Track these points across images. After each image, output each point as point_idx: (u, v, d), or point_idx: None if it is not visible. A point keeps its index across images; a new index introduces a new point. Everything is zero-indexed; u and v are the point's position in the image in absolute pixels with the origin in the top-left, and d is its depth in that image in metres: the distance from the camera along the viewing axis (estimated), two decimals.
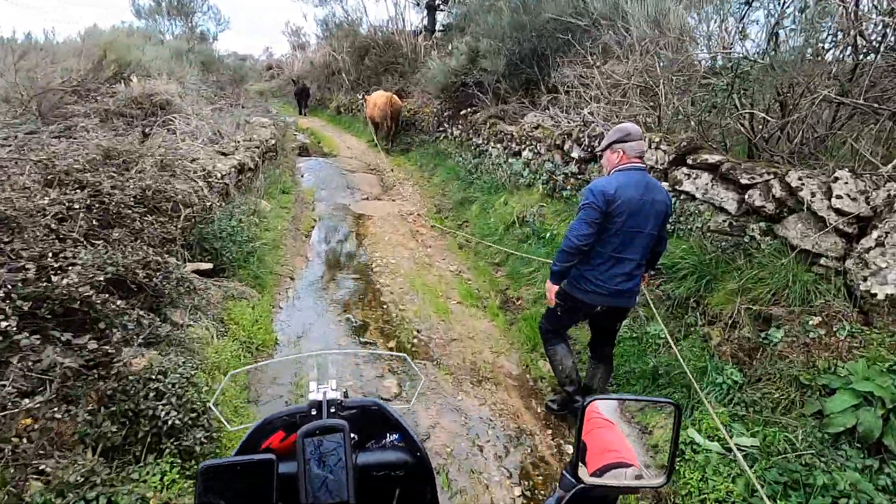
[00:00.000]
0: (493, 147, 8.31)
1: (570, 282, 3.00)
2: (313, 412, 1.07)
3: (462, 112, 10.14)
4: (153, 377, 2.56)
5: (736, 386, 3.02)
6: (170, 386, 2.53)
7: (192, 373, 2.75)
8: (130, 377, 2.49)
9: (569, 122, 6.30)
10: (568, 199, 5.92)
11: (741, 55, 3.61)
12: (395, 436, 1.10)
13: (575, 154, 5.91)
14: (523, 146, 7.24)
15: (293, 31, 33.71)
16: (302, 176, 10.22)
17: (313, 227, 7.31)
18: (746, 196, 3.71)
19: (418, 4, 19.05)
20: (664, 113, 5.21)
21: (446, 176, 9.43)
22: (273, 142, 9.80)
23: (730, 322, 3.41)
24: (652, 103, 5.51)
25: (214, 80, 12.94)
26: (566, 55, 7.88)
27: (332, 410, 1.07)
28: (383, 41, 16.28)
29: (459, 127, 10.23)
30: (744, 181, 3.72)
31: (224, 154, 7.17)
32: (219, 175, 6.15)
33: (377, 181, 10.37)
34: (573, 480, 0.93)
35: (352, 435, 0.99)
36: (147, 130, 6.34)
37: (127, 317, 2.80)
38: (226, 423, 1.34)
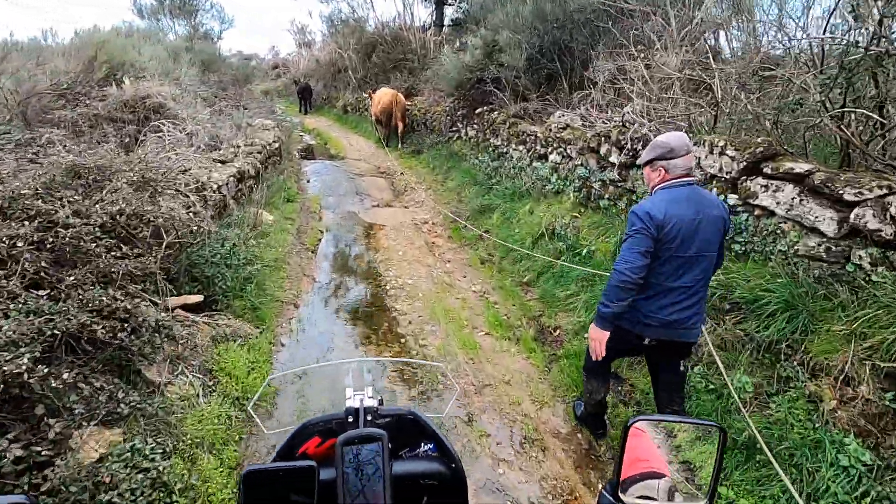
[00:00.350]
0: (514, 149, 7.59)
1: None
2: (350, 419, 1.07)
3: (478, 111, 9.42)
4: (106, 479, 1.90)
5: (868, 472, 2.31)
6: (128, 497, 1.87)
7: (163, 467, 2.09)
8: (71, 486, 1.82)
9: (604, 123, 5.56)
10: (606, 210, 5.20)
11: (849, 41, 2.87)
12: (430, 445, 1.09)
13: (614, 159, 5.19)
14: (550, 149, 6.51)
15: (298, 28, 32.99)
16: (308, 181, 9.55)
17: (320, 240, 6.64)
18: (852, 216, 2.98)
19: None
20: (721, 112, 4.47)
21: (462, 180, 8.72)
22: (277, 145, 9.15)
23: (841, 377, 2.70)
24: (705, 100, 4.77)
25: (217, 80, 12.31)
26: (595, 47, 7.14)
27: (369, 418, 1.08)
28: (391, 37, 15.56)
29: (475, 127, 9.51)
30: (848, 197, 2.99)
31: (222, 162, 6.51)
32: (214, 186, 5.50)
33: (387, 185, 9.68)
34: (612, 500, 0.91)
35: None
36: (139, 137, 5.67)
37: (77, 393, 2.14)
38: (263, 427, 1.44)
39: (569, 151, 6.03)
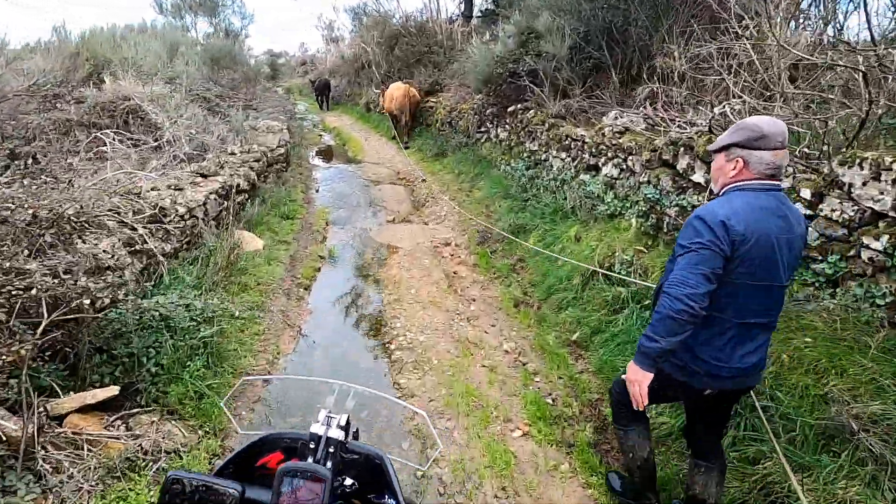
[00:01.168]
0: (554, 156, 6.19)
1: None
2: (311, 445, 0.99)
3: (510, 109, 8.03)
4: None
5: None
6: None
7: None
8: None
9: (681, 127, 4.13)
10: None
11: None
12: (393, 501, 1.01)
13: (698, 177, 3.76)
14: (603, 158, 5.10)
15: (326, 25, 32.09)
16: (317, 191, 8.37)
17: (319, 270, 5.42)
18: None
19: None
20: (873, 115, 3.00)
21: (491, 190, 7.37)
22: (282, 150, 7.99)
23: None
24: (836, 97, 3.29)
25: (231, 77, 11.29)
26: (659, 29, 5.67)
27: (331, 450, 0.98)
28: (416, 29, 14.24)
29: (506, 127, 8.12)
30: None
31: (203, 175, 5.36)
32: (182, 211, 4.33)
33: (407, 195, 8.41)
34: None
35: (350, 482, 0.97)
36: (80, 151, 4.57)
37: None
38: (236, 426, 1.38)
39: (630, 163, 4.61)
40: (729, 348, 1.87)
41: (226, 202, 5.48)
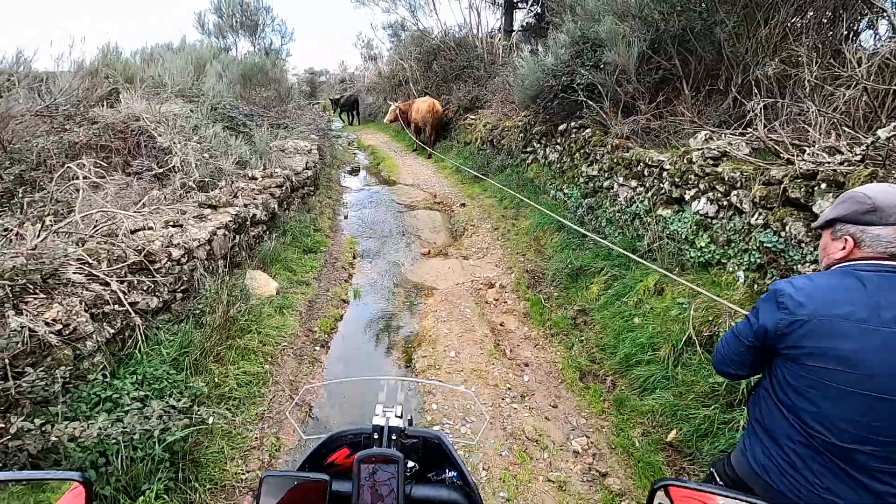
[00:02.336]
0: (621, 184, 5.15)
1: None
2: (375, 436, 1.06)
3: (561, 127, 7.05)
4: None
5: None
6: None
7: None
8: None
9: (815, 156, 3.04)
10: None
11: None
12: (454, 473, 1.07)
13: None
14: (691, 190, 4.04)
15: (365, 43, 32.09)
16: (345, 217, 7.58)
17: (339, 321, 4.55)
18: None
19: (495, 2, 16.22)
20: None
21: (541, 220, 6.37)
22: (309, 173, 7.25)
23: None
24: None
25: (264, 95, 10.79)
26: (754, 34, 4.62)
27: (394, 437, 1.06)
28: (455, 43, 13.49)
29: (557, 148, 7.14)
30: None
31: (213, 207, 4.60)
32: (174, 255, 3.54)
33: (443, 223, 7.51)
34: None
35: (412, 464, 1.03)
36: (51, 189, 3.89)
37: None
38: (301, 432, 1.51)
39: (735, 199, 3.54)
40: (819, 476, 1.36)
41: (238, 237, 4.72)
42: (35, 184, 4.80)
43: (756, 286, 3.24)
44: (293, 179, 6.53)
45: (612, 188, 5.29)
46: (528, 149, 8.13)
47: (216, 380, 2.94)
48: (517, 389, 3.52)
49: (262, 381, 3.21)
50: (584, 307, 4.43)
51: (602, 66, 6.32)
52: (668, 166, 4.38)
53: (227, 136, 6.47)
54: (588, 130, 6.27)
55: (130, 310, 2.91)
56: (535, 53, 7.50)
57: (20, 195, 4.67)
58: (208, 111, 6.72)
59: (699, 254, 3.76)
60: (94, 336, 2.71)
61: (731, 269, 3.49)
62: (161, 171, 4.69)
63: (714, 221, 3.73)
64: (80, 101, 6.28)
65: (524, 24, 16.18)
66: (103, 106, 5.93)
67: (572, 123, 6.75)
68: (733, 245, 3.50)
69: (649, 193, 4.61)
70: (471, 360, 3.81)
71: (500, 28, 15.57)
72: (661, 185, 4.43)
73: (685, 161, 4.15)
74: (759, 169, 3.45)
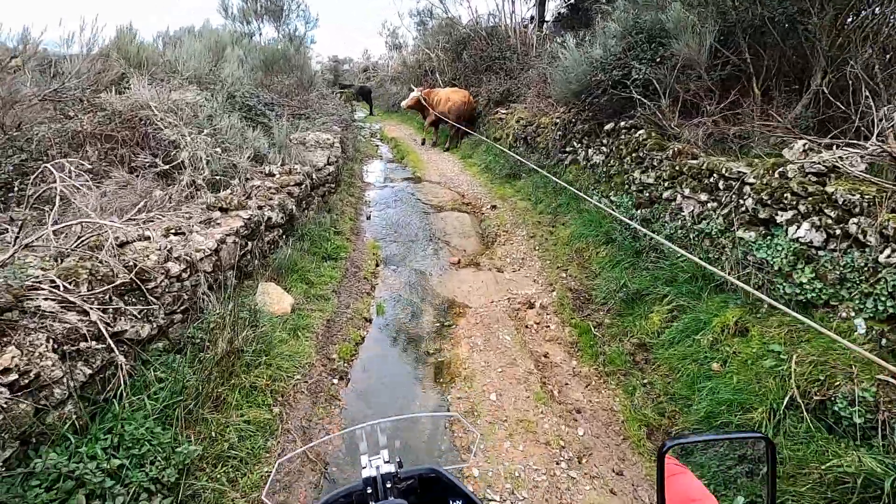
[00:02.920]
0: (686, 196, 4.45)
1: None
2: (369, 490, 1.01)
3: (608, 127, 6.35)
4: None
5: None
6: None
7: None
8: None
9: None
10: None
11: None
12: (459, 501, 1.03)
13: None
14: (787, 211, 3.34)
15: (390, 31, 31.40)
16: (368, 217, 7.01)
17: (360, 346, 3.98)
18: None
19: None
20: None
21: (584, 230, 5.71)
22: (331, 169, 6.69)
23: None
24: None
25: (287, 83, 10.24)
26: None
27: (389, 486, 1.01)
28: (486, 33, 12.75)
29: (603, 150, 6.44)
30: None
31: (223, 210, 4.06)
32: (172, 271, 3.01)
33: (473, 227, 6.89)
34: None
35: None
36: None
37: None
38: None
39: (854, 228, 2.85)
40: None
41: (250, 243, 4.18)
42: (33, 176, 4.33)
43: (885, 341, 2.57)
44: (313, 177, 5.98)
45: (675, 200, 4.60)
46: (568, 149, 7.44)
47: (213, 432, 2.40)
48: (572, 447, 2.91)
49: (270, 430, 2.67)
50: (644, 341, 3.79)
51: (660, 60, 5.61)
52: (751, 180, 3.68)
53: (244, 127, 5.93)
54: (641, 132, 5.56)
55: (113, 345, 2.37)
56: (583, 43, 6.76)
57: (16, 188, 4.22)
58: (225, 99, 6.19)
59: (798, 291, 3.08)
60: (64, 381, 2.18)
61: (844, 314, 2.82)
62: (167, 167, 4.16)
63: (821, 253, 3.04)
64: (90, 87, 5.79)
65: (557, 13, 15.33)
66: (112, 92, 5.43)
67: (622, 123, 6.04)
68: (850, 285, 2.82)
69: (724, 210, 3.92)
70: (515, 406, 3.21)
71: (532, 17, 14.77)
72: (742, 202, 3.73)
73: (776, 175, 3.46)
74: (885, 192, 2.76)
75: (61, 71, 5.87)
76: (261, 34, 18.12)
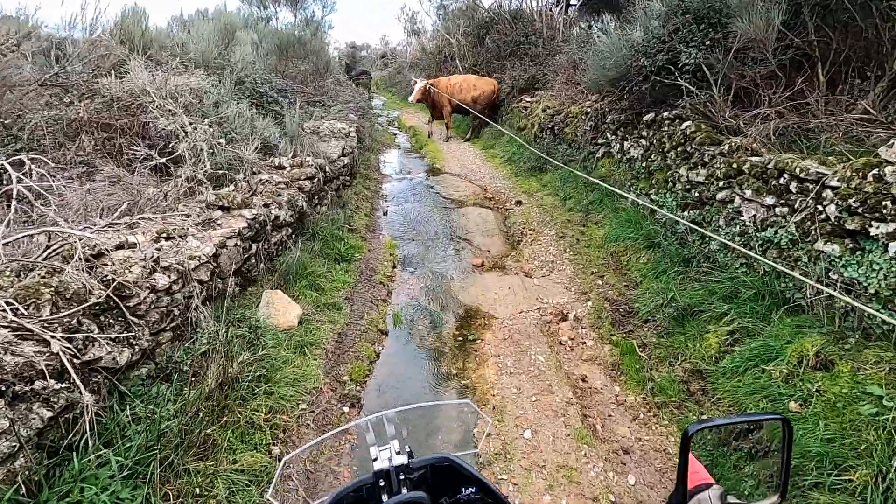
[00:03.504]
0: (747, 199, 3.86)
1: None
2: (381, 483, 0.97)
3: (647, 118, 5.76)
4: None
5: None
6: None
7: None
8: None
9: None
10: None
11: None
12: (472, 489, 1.01)
13: None
14: (884, 220, 2.78)
15: (409, 17, 30.66)
16: (385, 213, 6.55)
17: (375, 364, 3.53)
18: None
19: None
20: None
21: (620, 231, 5.18)
22: (346, 160, 6.23)
23: None
24: None
25: (302, 69, 9.77)
26: None
27: (402, 477, 0.97)
28: (510, 16, 12.07)
29: (641, 142, 5.86)
30: None
31: (224, 209, 3.64)
32: (160, 284, 2.59)
33: (497, 225, 6.38)
34: None
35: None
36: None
37: None
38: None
39: None
40: None
41: (255, 246, 3.75)
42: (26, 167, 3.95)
43: None
44: (327, 169, 5.52)
45: (732, 202, 4.03)
46: (601, 140, 6.85)
47: (197, 488, 1.98)
48: (623, 501, 2.44)
49: (268, 479, 2.24)
50: (699, 367, 3.27)
51: (711, 43, 5.00)
52: (834, 183, 3.11)
53: (254, 115, 5.49)
54: (688, 123, 4.97)
55: (78, 382, 1.96)
56: (626, 24, 6.13)
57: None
58: (233, 85, 5.74)
59: None
60: (13, 430, 1.77)
61: None
62: (163, 160, 3.73)
63: None
64: (93, 71, 5.40)
65: None
66: (112, 76, 5.02)
67: (664, 113, 5.44)
68: None
69: (798, 217, 3.36)
70: (553, 447, 2.74)
71: (557, 0, 14.00)
72: (822, 209, 3.16)
73: (869, 178, 2.88)
74: None
75: (62, 54, 5.48)
76: (277, 19, 17.68)
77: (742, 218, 3.87)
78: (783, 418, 0.92)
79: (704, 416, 2.95)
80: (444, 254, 5.47)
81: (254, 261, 3.74)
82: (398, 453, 1.00)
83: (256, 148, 4.93)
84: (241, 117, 5.13)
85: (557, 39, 10.89)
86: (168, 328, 2.71)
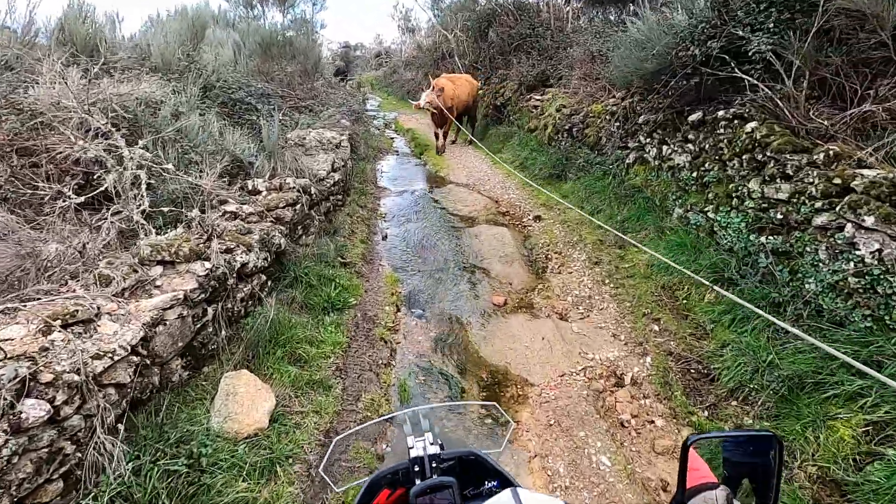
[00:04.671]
0: (864, 227, 2.89)
1: None
2: (416, 468, 1.05)
3: (694, 117, 4.78)
4: None
5: None
6: None
7: None
8: None
9: None
10: None
11: None
12: (494, 482, 1.06)
13: None
14: None
15: (402, 14, 29.59)
16: (384, 237, 5.56)
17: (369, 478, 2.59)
18: None
19: None
20: None
21: (669, 255, 4.21)
22: (336, 177, 5.26)
23: None
24: None
25: (289, 70, 8.77)
26: None
27: (434, 465, 1.05)
28: (515, 7, 11.05)
29: (687, 147, 4.88)
30: None
31: (167, 263, 2.65)
32: (35, 414, 1.58)
33: (516, 247, 5.40)
34: None
35: None
36: None
37: None
38: (333, 485, 1.40)
39: None
40: None
41: (212, 309, 2.77)
42: None
43: None
44: (312, 191, 4.54)
45: (841, 230, 3.05)
46: (632, 144, 5.87)
47: None
48: None
49: None
50: (832, 474, 2.31)
51: (783, 24, 4.04)
52: None
53: (223, 127, 4.51)
54: (755, 125, 3.99)
55: None
56: (670, 4, 5.12)
57: None
58: (198, 91, 4.75)
59: None
60: None
61: None
62: (79, 200, 2.75)
63: None
64: (23, 82, 4.39)
65: None
66: (47, 85, 4.02)
67: (720, 112, 4.46)
68: None
69: None
70: None
71: None
72: None
73: None
74: None
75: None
76: (265, 19, 16.65)
77: (859, 252, 2.90)
78: (774, 435, 0.91)
79: None
80: (456, 289, 4.50)
81: (211, 329, 2.77)
82: (432, 444, 1.06)
83: (225, 169, 3.95)
84: (206, 131, 4.15)
85: (567, 31, 9.90)
86: (57, 476, 1.74)
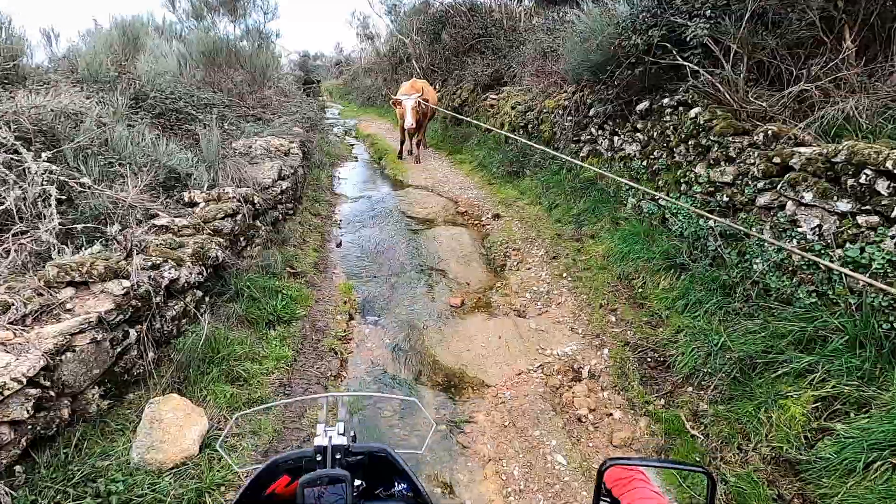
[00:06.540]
0: (805, 204, 2.89)
1: None
2: (318, 458, 0.96)
3: (641, 107, 4.81)
4: None
5: None
6: None
7: None
8: None
9: None
10: None
11: None
12: (404, 485, 0.99)
13: None
14: None
15: (361, 21, 29.38)
16: (339, 244, 5.38)
17: None
18: None
19: None
20: None
21: (623, 244, 4.20)
22: (285, 184, 5.07)
23: None
24: None
25: (239, 79, 8.49)
26: None
27: (337, 457, 0.96)
28: (467, 8, 11.06)
29: (637, 136, 4.90)
30: None
31: (79, 284, 2.43)
32: None
33: (474, 247, 5.31)
34: None
35: (359, 483, 0.96)
36: None
37: None
38: (233, 465, 1.29)
39: None
40: None
41: (134, 331, 2.56)
42: None
43: None
44: (256, 200, 4.34)
45: (782, 209, 3.06)
46: (584, 137, 5.88)
47: None
48: None
49: None
50: (786, 454, 2.27)
51: (718, 8, 4.08)
52: None
53: (157, 138, 4.27)
54: (698, 110, 4.02)
55: None
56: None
57: None
58: (129, 101, 4.49)
59: None
60: None
61: None
62: None
63: None
64: None
65: None
66: None
67: (664, 101, 4.49)
68: None
69: (894, 229, 2.40)
70: None
71: None
72: None
73: None
74: None
75: None
76: (216, 30, 16.21)
77: (801, 230, 2.90)
78: (706, 472, 0.85)
79: None
80: (413, 292, 4.37)
81: (135, 352, 2.56)
82: (341, 434, 0.99)
83: (157, 181, 3.73)
84: (135, 143, 3.91)
85: (520, 29, 9.95)
86: None
